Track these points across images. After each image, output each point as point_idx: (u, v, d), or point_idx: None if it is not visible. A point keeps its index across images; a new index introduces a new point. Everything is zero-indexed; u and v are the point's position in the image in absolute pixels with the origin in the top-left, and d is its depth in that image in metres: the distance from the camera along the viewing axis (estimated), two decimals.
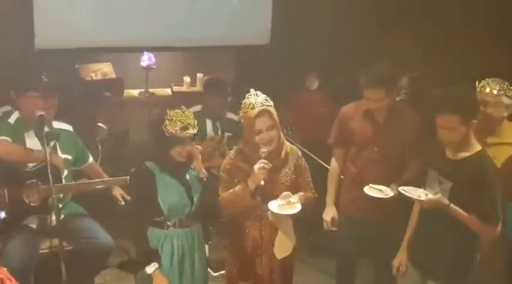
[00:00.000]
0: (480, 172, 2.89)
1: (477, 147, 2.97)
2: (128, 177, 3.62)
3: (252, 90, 3.09)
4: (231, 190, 3.09)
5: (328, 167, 3.85)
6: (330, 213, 3.66)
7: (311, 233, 4.95)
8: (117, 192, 3.89)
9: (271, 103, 3.09)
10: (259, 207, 3.09)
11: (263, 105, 3.03)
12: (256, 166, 3.00)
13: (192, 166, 3.22)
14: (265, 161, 3.00)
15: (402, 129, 3.53)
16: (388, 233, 3.54)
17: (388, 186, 3.46)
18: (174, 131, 3.02)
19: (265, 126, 3.04)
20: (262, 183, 2.99)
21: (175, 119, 3.04)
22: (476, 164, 2.91)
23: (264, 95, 3.09)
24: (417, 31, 5.55)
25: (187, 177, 3.19)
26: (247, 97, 3.07)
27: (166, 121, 3.04)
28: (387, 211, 3.50)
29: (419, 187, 3.10)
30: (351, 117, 3.65)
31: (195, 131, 3.09)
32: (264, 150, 3.03)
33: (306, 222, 4.65)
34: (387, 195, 3.38)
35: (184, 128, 3.05)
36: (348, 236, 3.72)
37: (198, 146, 3.20)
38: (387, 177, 3.52)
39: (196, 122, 3.12)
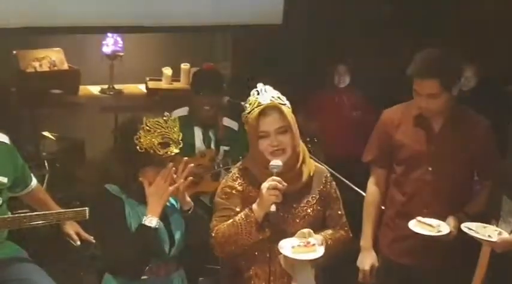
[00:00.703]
0: None
1: None
2: (87, 208, 3.65)
3: (260, 85, 3.11)
4: (230, 221, 3.09)
5: (364, 194, 3.88)
6: (367, 260, 3.66)
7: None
8: (71, 228, 3.88)
9: (286, 102, 3.12)
10: (269, 247, 3.09)
11: (272, 102, 3.07)
12: (266, 185, 2.99)
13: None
14: (278, 178, 3.01)
15: (467, 141, 3.53)
16: None
17: (444, 220, 3.47)
18: (150, 147, 3.06)
19: (273, 127, 3.06)
20: (273, 208, 2.98)
21: (155, 131, 3.07)
22: None
23: (277, 91, 3.11)
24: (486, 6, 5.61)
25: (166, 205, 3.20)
26: (253, 95, 3.11)
27: (142, 132, 3.06)
28: (445, 256, 3.50)
29: (489, 222, 3.11)
30: (396, 125, 3.65)
31: (178, 150, 3.11)
32: (275, 163, 3.04)
33: (333, 270, 4.71)
34: (440, 232, 3.39)
35: (165, 145, 3.08)
36: None
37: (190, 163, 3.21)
38: (446, 208, 3.51)
39: (181, 137, 3.14)
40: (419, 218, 3.42)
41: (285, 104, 3.10)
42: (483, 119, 3.63)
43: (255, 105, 3.07)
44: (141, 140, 3.05)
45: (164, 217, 3.16)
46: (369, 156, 3.76)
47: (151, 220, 3.05)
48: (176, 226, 3.21)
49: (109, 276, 3.20)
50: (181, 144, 3.13)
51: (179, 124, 3.18)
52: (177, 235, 3.19)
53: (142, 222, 3.05)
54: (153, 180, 3.09)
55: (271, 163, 3.03)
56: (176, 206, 3.26)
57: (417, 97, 3.50)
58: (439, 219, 3.44)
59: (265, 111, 3.05)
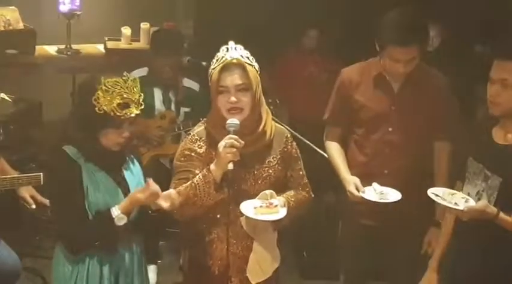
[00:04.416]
0: None
1: None
2: (41, 173, 3.59)
3: (231, 43, 3.07)
4: (189, 183, 3.07)
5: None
6: (350, 183, 3.55)
7: (304, 247, 4.98)
8: (26, 192, 3.85)
9: (254, 63, 3.08)
10: (231, 209, 3.06)
11: (237, 58, 3.02)
12: (222, 144, 2.96)
13: (131, 157, 3.20)
14: (235, 136, 2.97)
15: (427, 100, 3.54)
16: (410, 246, 3.57)
17: (405, 179, 3.47)
18: (109, 109, 2.98)
19: (233, 82, 3.02)
20: (230, 166, 2.96)
21: (113, 91, 2.99)
22: None
23: (247, 51, 3.08)
24: None
25: (124, 172, 3.16)
26: (222, 51, 3.06)
27: (100, 92, 2.97)
28: (409, 217, 3.51)
29: (454, 184, 3.13)
30: (356, 85, 3.64)
31: (138, 111, 3.04)
32: (232, 121, 3.00)
33: (297, 232, 4.72)
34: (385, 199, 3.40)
35: (125, 106, 3.00)
36: (355, 251, 3.75)
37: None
38: (407, 168, 3.54)
39: (142, 98, 3.06)
40: (375, 185, 3.44)
41: (252, 65, 3.06)
42: (442, 77, 3.64)
43: (221, 61, 3.04)
44: (100, 101, 2.97)
45: (123, 181, 3.13)
46: (326, 113, 3.78)
47: (121, 220, 3.01)
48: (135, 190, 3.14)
49: (59, 247, 3.18)
50: (142, 105, 3.07)
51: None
52: None
53: (112, 215, 3.00)
54: (113, 144, 3.04)
55: (228, 121, 3.01)
56: (135, 173, 3.20)
57: (395, 64, 3.47)
58: (401, 179, 3.48)
59: (228, 66, 3.02)
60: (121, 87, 3.00)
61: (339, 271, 3.99)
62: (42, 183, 3.61)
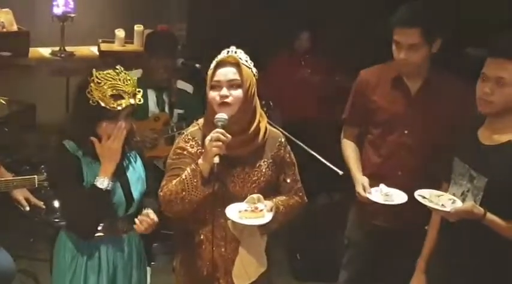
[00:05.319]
0: None
1: None
2: (35, 176, 3.60)
3: (232, 47, 3.10)
4: (178, 178, 3.07)
5: (323, 160, 3.87)
6: (359, 183, 3.60)
7: (297, 249, 4.99)
8: (21, 194, 3.85)
9: (251, 66, 3.10)
10: (219, 211, 3.07)
11: (232, 56, 3.05)
12: (208, 138, 2.97)
13: (133, 152, 3.23)
14: (221, 130, 2.98)
15: (443, 103, 3.55)
16: (419, 248, 3.57)
17: (418, 181, 3.43)
18: (102, 100, 3.01)
19: (225, 77, 3.04)
20: (216, 160, 2.95)
21: (105, 83, 3.02)
22: None
23: (246, 55, 3.11)
24: None
25: (124, 166, 3.19)
26: (222, 53, 3.09)
27: (92, 84, 3.01)
28: (421, 218, 3.42)
29: (441, 185, 3.14)
30: (373, 87, 3.68)
31: (133, 102, 3.07)
32: (220, 116, 3.01)
33: (290, 234, 4.73)
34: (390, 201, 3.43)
35: (118, 97, 3.03)
36: (362, 252, 3.78)
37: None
38: (421, 171, 3.54)
39: (135, 90, 3.09)
40: (382, 187, 3.46)
41: (250, 68, 3.09)
42: (459, 82, 3.61)
43: (218, 60, 3.07)
44: (93, 93, 3.01)
45: (123, 175, 3.16)
46: (345, 113, 3.83)
47: (103, 182, 3.05)
48: (135, 185, 3.20)
49: (63, 233, 3.21)
50: (140, 100, 3.10)
51: None
52: (136, 194, 3.19)
53: (94, 183, 3.05)
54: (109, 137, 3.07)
55: (216, 116, 3.01)
56: (136, 168, 3.24)
57: (397, 50, 3.52)
58: (414, 181, 3.44)
59: (223, 63, 3.05)
60: (113, 79, 3.03)
61: (332, 273, 3.98)
62: (36, 185, 3.61)
